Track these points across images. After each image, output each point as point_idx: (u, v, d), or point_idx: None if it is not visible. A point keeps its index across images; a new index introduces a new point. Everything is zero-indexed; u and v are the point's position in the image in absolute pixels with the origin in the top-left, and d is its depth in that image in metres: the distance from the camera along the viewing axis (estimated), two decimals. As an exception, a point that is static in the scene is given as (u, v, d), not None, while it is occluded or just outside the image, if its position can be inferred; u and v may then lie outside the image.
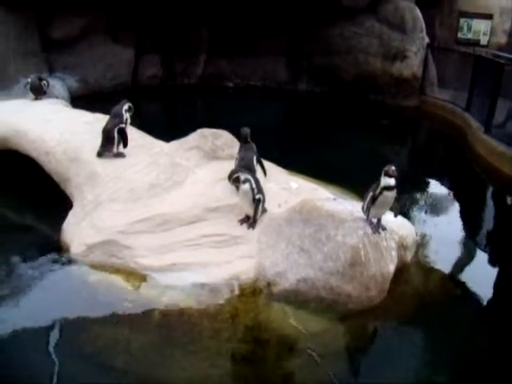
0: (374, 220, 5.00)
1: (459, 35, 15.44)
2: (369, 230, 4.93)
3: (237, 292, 5.03)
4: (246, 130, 5.98)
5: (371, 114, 12.60)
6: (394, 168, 4.70)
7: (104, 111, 7.77)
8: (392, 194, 4.76)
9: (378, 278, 4.89)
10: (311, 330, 4.74)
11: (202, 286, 5.04)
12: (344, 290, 4.85)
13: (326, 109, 13.02)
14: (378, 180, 4.82)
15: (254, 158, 5.89)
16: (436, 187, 8.74)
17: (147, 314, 4.89)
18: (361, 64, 13.52)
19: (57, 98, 10.20)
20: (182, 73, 14.83)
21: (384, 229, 5.03)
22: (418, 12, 13.17)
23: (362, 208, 5.01)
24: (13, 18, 11.12)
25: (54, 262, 5.81)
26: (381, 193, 4.72)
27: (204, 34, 14.62)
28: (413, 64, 13.10)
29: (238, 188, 5.42)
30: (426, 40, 13.39)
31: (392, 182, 4.71)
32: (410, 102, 13.33)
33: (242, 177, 5.31)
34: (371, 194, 4.80)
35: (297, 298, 4.95)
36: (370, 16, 13.56)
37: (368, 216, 4.93)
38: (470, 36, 15.36)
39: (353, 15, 13.48)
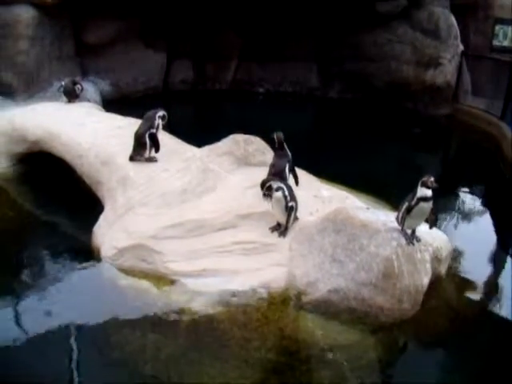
0: (409, 231, 4.89)
1: (494, 42, 15.12)
2: (403, 241, 4.81)
3: (267, 300, 4.97)
4: (280, 135, 5.93)
5: (403, 122, 12.44)
6: (432, 179, 4.60)
7: (135, 115, 7.83)
8: (428, 206, 4.66)
9: (411, 291, 4.78)
10: (341, 341, 4.67)
11: (232, 293, 5.01)
12: (376, 302, 4.75)
13: (357, 116, 12.91)
14: (413, 190, 4.72)
15: (287, 166, 5.84)
16: (470, 198, 8.57)
17: (176, 319, 4.88)
18: (393, 71, 13.36)
19: (89, 101, 10.33)
20: (212, 78, 14.89)
21: (418, 240, 4.92)
22: (452, 18, 12.97)
23: (397, 218, 4.91)
24: (49, 23, 11.30)
25: (85, 264, 5.87)
26: (417, 204, 4.63)
27: (235, 39, 14.65)
28: (446, 71, 12.89)
29: (270, 197, 5.37)
30: (461, 47, 13.18)
31: (429, 193, 4.61)
32: (442, 110, 13.11)
33: (275, 185, 5.26)
34: (406, 204, 4.70)
35: (327, 309, 4.87)
36: (404, 22, 13.41)
37: (403, 227, 4.82)
38: (505, 43, 15.03)
39: (386, 21, 13.35)
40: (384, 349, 4.73)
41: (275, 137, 5.97)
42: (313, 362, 4.60)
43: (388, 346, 4.79)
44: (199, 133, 8.78)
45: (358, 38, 13.71)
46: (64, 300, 5.29)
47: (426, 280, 4.86)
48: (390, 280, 4.73)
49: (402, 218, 4.79)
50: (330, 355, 4.52)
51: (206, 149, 6.65)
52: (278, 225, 5.46)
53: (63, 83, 9.42)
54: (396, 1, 13.14)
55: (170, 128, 7.13)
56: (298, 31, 14.00)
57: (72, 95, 9.30)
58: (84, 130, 7.55)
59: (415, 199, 4.64)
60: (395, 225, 4.92)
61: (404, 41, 13.32)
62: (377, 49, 13.59)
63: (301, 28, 13.94)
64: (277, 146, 5.97)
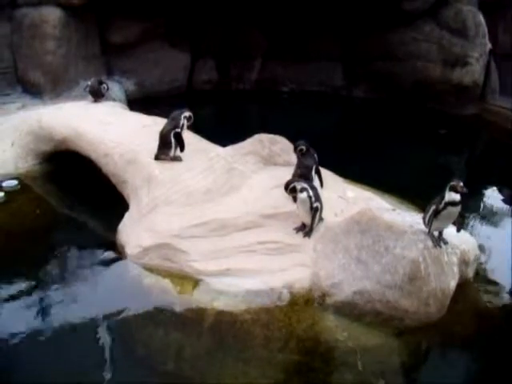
0: (436, 233, 4.83)
1: (523, 41, 14.78)
2: (429, 244, 4.75)
3: (290, 301, 4.94)
4: (302, 147, 5.94)
5: (429, 122, 12.26)
6: (461, 184, 4.54)
7: (160, 114, 7.88)
8: (456, 210, 4.61)
9: (437, 294, 4.71)
10: (365, 344, 4.61)
11: (256, 293, 4.99)
12: (401, 305, 4.69)
13: (383, 116, 12.77)
14: (439, 192, 4.66)
15: (313, 167, 5.82)
16: (498, 201, 8.38)
17: (200, 318, 4.89)
18: (419, 70, 13.17)
19: (114, 100, 10.45)
20: (236, 77, 14.90)
21: (446, 243, 4.85)
22: (480, 17, 12.73)
23: (423, 220, 4.85)
24: (75, 23, 11.45)
25: (109, 262, 5.92)
26: (445, 208, 4.57)
27: (260, 38, 14.64)
28: (474, 71, 12.65)
29: (294, 198, 5.35)
30: (489, 46, 12.93)
31: (458, 197, 4.56)
32: (469, 110, 12.88)
33: (299, 186, 5.25)
34: (434, 207, 4.63)
35: (352, 311, 4.83)
36: (430, 21, 13.20)
37: (430, 229, 4.75)
38: (535, 42, 14.69)
39: (412, 20, 13.17)
40: (408, 352, 4.66)
41: (297, 150, 5.97)
42: (336, 364, 4.57)
43: (413, 350, 4.71)
44: (223, 132, 8.75)
45: (384, 36, 13.55)
46: (89, 297, 5.35)
47: (453, 283, 4.80)
48: (416, 283, 4.67)
49: (428, 220, 4.73)
50: (353, 357, 4.48)
51: (231, 148, 6.65)
52: (303, 225, 5.44)
53: (89, 83, 9.55)
54: (422, -1, 12.98)
55: (195, 127, 7.15)
56: (323, 30, 13.92)
57: (98, 94, 9.41)
58: (109, 129, 7.63)
59: (443, 203, 4.59)
60: (422, 227, 4.86)
61: (430, 40, 13.12)
62: (403, 48, 13.42)
63: (326, 27, 13.86)
64: (300, 156, 5.96)
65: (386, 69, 13.70)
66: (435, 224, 4.72)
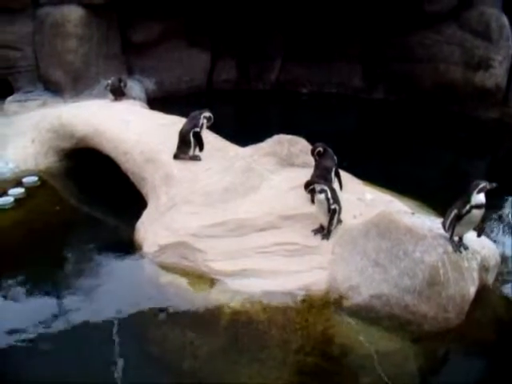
0: (456, 238, 4.76)
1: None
2: (449, 248, 4.69)
3: (307, 303, 4.93)
4: (320, 149, 5.91)
5: (449, 125, 12.11)
6: (489, 186, 4.47)
7: (179, 113, 7.91)
8: (481, 213, 4.54)
9: (456, 300, 4.65)
10: (382, 348, 4.57)
11: (272, 294, 4.98)
12: (420, 310, 4.64)
13: (402, 118, 12.64)
14: (462, 196, 4.59)
15: (333, 169, 5.79)
16: (519, 206, 8.26)
17: (215, 318, 4.89)
18: (441, 73, 13.02)
19: (134, 99, 10.51)
20: (256, 78, 14.89)
21: (466, 248, 4.78)
22: (504, 19, 12.53)
23: (443, 224, 4.78)
24: (96, 22, 11.54)
25: (127, 259, 5.97)
26: (469, 211, 4.50)
27: (279, 39, 14.61)
28: (497, 74, 12.46)
29: (313, 199, 5.32)
30: (513, 49, 12.74)
31: (484, 200, 4.49)
32: (491, 113, 12.69)
33: (318, 187, 5.23)
34: (456, 211, 4.56)
35: (369, 314, 4.79)
36: (452, 23, 13.04)
37: (451, 234, 4.69)
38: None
39: (434, 22, 13.03)
40: (426, 358, 4.60)
41: (315, 152, 5.95)
42: (352, 368, 4.55)
43: (430, 356, 4.66)
44: (243, 132, 8.78)
45: (405, 38, 13.43)
46: (105, 293, 5.40)
47: (472, 289, 4.73)
48: (435, 288, 4.62)
49: (450, 224, 4.66)
50: (369, 361, 4.43)
51: (250, 148, 6.65)
52: (321, 227, 5.41)
53: (110, 81, 9.62)
54: (445, 1, 12.82)
55: (214, 127, 7.16)
56: (342, 32, 13.84)
57: (118, 93, 9.48)
58: (129, 127, 7.68)
59: (468, 206, 4.52)
60: (442, 231, 4.80)
61: (452, 42, 12.96)
62: (424, 50, 13.28)
63: (346, 28, 13.78)
64: (318, 158, 5.93)
65: (406, 71, 13.57)
66: (457, 228, 4.66)
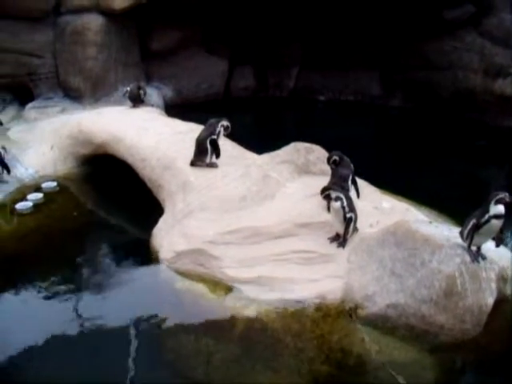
0: (474, 248, 4.70)
1: None
2: (467, 258, 4.64)
3: (322, 312, 4.91)
4: (336, 158, 5.91)
5: (468, 133, 11.99)
6: (508, 195, 4.43)
7: (197, 121, 7.94)
8: (500, 223, 4.50)
9: (474, 311, 4.60)
10: (398, 359, 4.53)
11: (288, 302, 4.98)
12: (436, 320, 4.59)
13: (420, 126, 12.55)
14: (481, 206, 4.54)
15: (350, 177, 5.77)
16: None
17: (231, 325, 4.90)
18: (460, 80, 12.91)
19: (153, 106, 10.59)
20: (274, 85, 14.91)
21: (484, 258, 4.72)
22: (525, 26, 12.42)
23: (461, 234, 4.74)
24: (116, 30, 11.66)
25: (143, 265, 6.02)
26: (488, 221, 4.46)
27: (297, 47, 14.63)
28: (517, 82, 12.35)
29: (329, 207, 5.31)
30: (533, 57, 12.59)
31: (503, 210, 4.45)
32: (511, 122, 12.55)
33: (334, 194, 5.21)
34: (474, 220, 4.51)
35: (384, 324, 4.75)
36: (472, 30, 12.94)
37: (469, 243, 4.64)
38: None
39: (453, 29, 12.94)
40: (442, 369, 4.55)
41: (331, 161, 5.95)
42: (367, 378, 4.53)
43: (446, 367, 4.61)
44: (260, 140, 8.80)
45: (423, 45, 13.36)
46: (121, 299, 5.45)
47: (490, 300, 4.66)
48: (452, 298, 4.57)
49: (468, 234, 4.61)
50: (384, 372, 4.40)
51: (267, 156, 6.65)
52: (337, 235, 5.39)
53: (128, 88, 9.71)
54: (464, 7, 12.74)
55: (231, 134, 7.18)
56: (360, 39, 13.82)
57: (137, 100, 9.56)
58: (147, 134, 7.73)
59: (487, 216, 4.48)
60: (459, 240, 4.75)
61: (472, 49, 12.85)
62: (443, 57, 13.18)
63: (363, 36, 13.76)
64: (333, 167, 5.92)
65: (424, 78, 13.49)
66: (476, 238, 4.61)
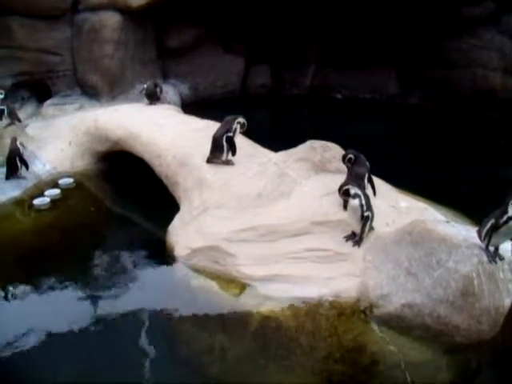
0: (491, 248, 4.64)
1: None
2: (484, 259, 4.58)
3: (337, 310, 4.88)
4: (351, 156, 5.88)
5: (487, 132, 11.85)
6: None
7: (213, 118, 7.96)
8: (518, 225, 4.41)
9: (490, 312, 4.54)
10: (413, 359, 4.50)
11: (302, 300, 4.96)
12: (452, 321, 4.54)
13: (438, 125, 12.42)
14: (500, 206, 4.48)
15: (366, 175, 5.74)
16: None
17: (245, 322, 4.90)
18: (479, 78, 12.75)
19: (169, 103, 10.64)
20: (290, 83, 14.87)
21: (502, 258, 4.67)
22: (545, 24, 12.22)
23: (478, 233, 4.68)
24: (133, 28, 11.72)
25: (158, 261, 6.06)
26: (507, 222, 4.39)
27: (314, 44, 14.55)
28: (537, 80, 12.17)
29: (346, 202, 5.28)
30: (554, 55, 12.39)
31: None
32: (531, 121, 12.38)
33: (352, 191, 5.16)
34: (493, 221, 4.46)
35: (399, 324, 4.71)
36: (491, 28, 12.77)
37: (487, 244, 4.58)
38: None
39: (472, 27, 12.78)
40: (457, 370, 4.52)
41: (346, 159, 5.92)
42: (381, 378, 4.51)
43: (462, 368, 4.58)
44: (276, 137, 8.77)
45: (442, 43, 13.21)
46: (136, 295, 5.49)
47: (507, 301, 4.61)
48: (469, 299, 4.52)
49: (486, 234, 4.56)
50: (399, 372, 4.38)
51: (283, 154, 6.63)
52: (353, 234, 5.36)
53: (145, 86, 9.77)
54: (483, 5, 12.58)
55: (247, 132, 7.18)
56: (378, 37, 13.72)
57: (153, 97, 9.62)
58: (163, 131, 7.78)
59: (506, 217, 4.41)
60: (477, 241, 4.69)
61: (491, 47, 12.69)
62: (461, 55, 13.04)
63: (381, 33, 13.66)
64: (349, 165, 5.89)
65: (442, 76, 13.35)
66: (494, 239, 4.55)
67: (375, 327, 4.75)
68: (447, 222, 5.37)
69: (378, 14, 13.07)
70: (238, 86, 14.29)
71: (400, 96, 14.22)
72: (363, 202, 5.13)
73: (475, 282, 4.51)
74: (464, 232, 4.94)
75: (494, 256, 4.63)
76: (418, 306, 4.64)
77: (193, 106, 11.67)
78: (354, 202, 5.15)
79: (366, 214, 5.15)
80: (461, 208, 6.60)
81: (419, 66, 13.75)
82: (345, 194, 5.25)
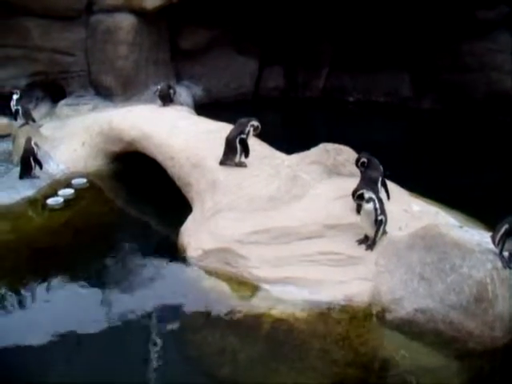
0: (506, 253, 4.61)
1: None
2: (499, 264, 4.57)
3: (349, 314, 4.88)
4: (364, 160, 5.87)
5: (501, 136, 11.74)
6: None
7: (226, 120, 7.96)
8: (533, 230, 4.38)
9: (504, 318, 4.52)
10: (424, 364, 4.48)
11: (314, 303, 4.97)
12: (465, 327, 4.53)
13: (452, 129, 12.33)
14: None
15: (379, 179, 5.72)
16: None
17: (256, 325, 4.89)
18: (493, 82, 12.65)
19: (182, 105, 10.64)
20: (303, 85, 14.84)
21: (516, 264, 4.63)
22: (562, 28, 12.12)
23: (492, 239, 4.65)
24: (147, 29, 11.78)
25: (170, 262, 6.06)
26: (521, 227, 4.36)
27: (327, 47, 14.54)
28: (551, 84, 12.06)
29: (360, 206, 5.27)
30: None
31: None
32: (546, 125, 12.26)
33: (367, 195, 5.16)
34: (507, 226, 4.43)
35: (411, 329, 4.70)
36: (505, 31, 12.69)
37: (501, 249, 4.55)
38: None
39: (486, 30, 12.69)
40: (469, 377, 4.48)
41: (359, 163, 5.90)
42: (393, 383, 4.46)
43: (474, 375, 4.52)
44: (289, 140, 8.79)
45: (456, 47, 13.13)
46: (147, 295, 5.49)
47: (522, 307, 4.57)
48: (482, 304, 4.50)
49: (500, 239, 4.54)
50: (410, 377, 4.35)
51: (296, 156, 6.62)
52: (366, 237, 5.34)
53: (159, 87, 9.79)
54: (497, 8, 12.50)
55: (260, 134, 7.17)
56: (391, 39, 13.67)
57: (167, 99, 9.63)
58: (177, 132, 7.79)
59: None
60: (491, 246, 4.67)
61: (506, 50, 12.58)
62: (475, 58, 12.94)
63: (395, 36, 13.61)
64: (362, 169, 5.88)
65: (456, 80, 13.25)
66: (508, 244, 4.53)
67: (387, 332, 4.74)
68: (460, 226, 5.35)
69: (392, 16, 13.02)
70: (251, 88, 14.28)
71: (413, 99, 14.14)
72: (377, 205, 5.12)
73: (489, 287, 4.50)
74: (477, 237, 4.93)
75: (509, 262, 4.61)
76: (431, 311, 4.63)
77: (206, 108, 11.67)
78: (368, 206, 5.13)
79: (379, 218, 5.14)
80: (473, 212, 6.56)
81: (433, 69, 13.67)
82: (359, 198, 5.24)
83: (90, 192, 7.89)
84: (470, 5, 12.22)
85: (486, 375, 4.67)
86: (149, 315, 5.12)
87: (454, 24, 12.71)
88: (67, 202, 7.41)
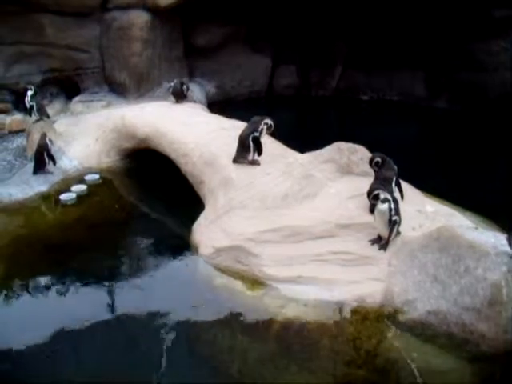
0: (521, 256, 4.56)
1: None
2: (514, 267, 4.50)
3: (361, 315, 4.84)
4: (378, 160, 5.82)
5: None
6: None
7: (239, 118, 7.95)
8: (549, 232, 4.32)
9: (518, 321, 4.46)
10: (436, 367, 4.43)
11: (326, 303, 4.95)
12: (478, 329, 4.46)
13: (466, 128, 12.22)
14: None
15: (394, 179, 5.68)
16: None
17: (267, 323, 4.89)
18: (508, 82, 12.49)
19: (195, 102, 10.66)
20: (316, 84, 14.80)
21: (531, 267, 4.57)
22: None
23: (508, 241, 4.59)
24: (160, 26, 11.81)
25: (182, 259, 6.07)
26: (537, 229, 4.30)
27: (341, 45, 14.48)
28: None
29: (374, 206, 5.23)
30: None
31: None
32: (561, 126, 12.10)
33: (382, 195, 5.13)
34: (523, 228, 4.38)
35: (424, 331, 4.65)
36: (522, 30, 12.58)
37: (516, 252, 4.50)
38: None
39: (503, 28, 12.55)
40: (482, 380, 4.43)
41: (373, 163, 5.86)
42: (404, 384, 4.42)
43: (487, 378, 4.47)
44: (302, 139, 8.75)
45: (471, 46, 13.00)
46: (159, 292, 5.49)
47: (536, 311, 4.51)
48: (496, 307, 4.44)
49: (515, 242, 4.48)
50: (422, 380, 4.31)
51: (309, 155, 6.59)
52: (379, 238, 5.30)
53: (172, 84, 9.82)
54: (513, 7, 12.37)
55: (273, 133, 7.15)
56: (405, 38, 13.57)
57: (180, 96, 9.65)
58: (189, 129, 7.80)
59: None
60: (506, 248, 4.61)
61: (522, 50, 12.47)
62: (491, 58, 12.81)
63: (409, 35, 13.51)
64: (376, 169, 5.83)
65: (471, 79, 13.12)
66: (523, 247, 4.47)
67: (399, 333, 4.69)
68: (475, 228, 5.28)
69: (407, 15, 12.93)
70: (265, 86, 14.29)
71: (427, 99, 14.04)
72: (392, 206, 5.08)
73: (504, 290, 4.43)
74: (492, 239, 4.84)
75: (524, 264, 4.55)
76: (444, 314, 4.58)
77: (219, 105, 11.69)
78: (384, 207, 5.10)
79: (394, 218, 5.10)
80: (488, 214, 6.48)
81: (447, 68, 13.56)
82: (374, 198, 5.20)
83: (102, 188, 7.94)
84: (487, 4, 12.10)
85: (498, 379, 4.62)
86: (159, 312, 5.12)
87: (470, 23, 12.59)
88: (80, 197, 7.46)
